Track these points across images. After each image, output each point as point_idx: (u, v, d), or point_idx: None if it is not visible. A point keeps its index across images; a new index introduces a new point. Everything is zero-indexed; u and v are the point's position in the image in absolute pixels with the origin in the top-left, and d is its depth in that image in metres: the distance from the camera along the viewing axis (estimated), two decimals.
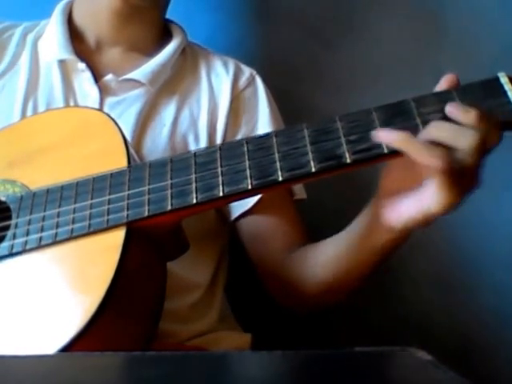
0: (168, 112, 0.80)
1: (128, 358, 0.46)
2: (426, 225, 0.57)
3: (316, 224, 0.85)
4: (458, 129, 0.53)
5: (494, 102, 0.54)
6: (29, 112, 0.76)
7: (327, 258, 0.70)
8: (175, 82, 0.82)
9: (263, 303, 0.81)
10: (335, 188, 0.90)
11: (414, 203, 0.56)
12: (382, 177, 0.61)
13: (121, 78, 0.79)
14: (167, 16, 0.87)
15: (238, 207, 0.79)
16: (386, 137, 0.54)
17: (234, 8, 1.04)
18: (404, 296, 0.97)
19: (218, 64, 0.85)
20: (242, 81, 0.84)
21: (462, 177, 0.53)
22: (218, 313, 0.80)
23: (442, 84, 0.57)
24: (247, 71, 0.86)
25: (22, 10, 0.98)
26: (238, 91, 0.83)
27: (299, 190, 0.83)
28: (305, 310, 0.79)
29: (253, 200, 0.77)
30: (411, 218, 0.57)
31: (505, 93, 0.54)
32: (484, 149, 0.52)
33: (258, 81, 0.86)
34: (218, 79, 0.84)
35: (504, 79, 0.55)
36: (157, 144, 0.76)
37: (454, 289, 0.96)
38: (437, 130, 0.53)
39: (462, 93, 0.55)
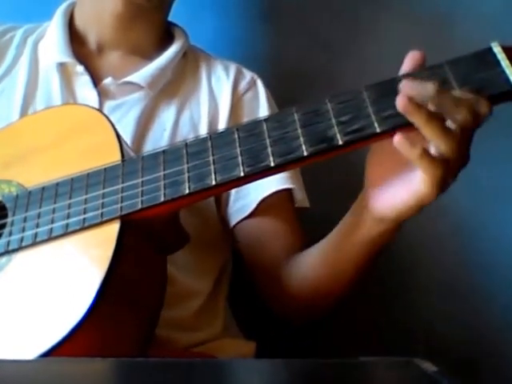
0: (168, 116, 0.80)
1: (130, 364, 0.45)
2: (419, 210, 0.55)
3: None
4: (454, 98, 0.50)
5: (487, 72, 0.52)
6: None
7: (315, 259, 0.68)
8: (175, 85, 0.82)
9: (266, 312, 0.78)
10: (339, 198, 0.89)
11: (405, 187, 0.54)
12: (368, 164, 0.59)
13: (120, 81, 0.79)
14: (172, 18, 0.87)
15: (237, 213, 0.78)
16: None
17: (240, 11, 1.05)
18: (411, 303, 0.93)
19: (218, 68, 0.85)
20: (243, 85, 0.84)
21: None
22: (222, 322, 0.78)
23: (407, 63, 0.56)
24: (248, 75, 0.85)
25: (24, 12, 0.98)
26: (238, 95, 0.83)
27: (302, 198, 0.81)
28: (297, 318, 0.76)
29: (252, 206, 0.77)
30: (404, 204, 0.55)
31: (498, 62, 0.52)
32: (476, 120, 0.50)
33: (259, 84, 0.85)
34: (219, 83, 0.84)
35: (497, 49, 0.53)
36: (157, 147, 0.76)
37: (463, 296, 0.92)
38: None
39: (455, 66, 0.54)
